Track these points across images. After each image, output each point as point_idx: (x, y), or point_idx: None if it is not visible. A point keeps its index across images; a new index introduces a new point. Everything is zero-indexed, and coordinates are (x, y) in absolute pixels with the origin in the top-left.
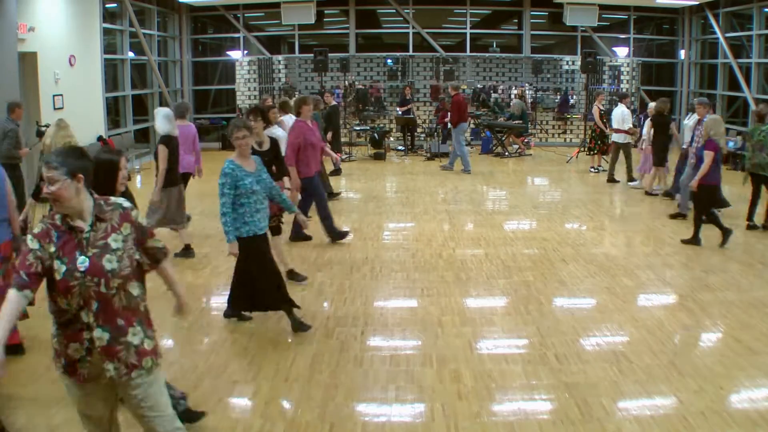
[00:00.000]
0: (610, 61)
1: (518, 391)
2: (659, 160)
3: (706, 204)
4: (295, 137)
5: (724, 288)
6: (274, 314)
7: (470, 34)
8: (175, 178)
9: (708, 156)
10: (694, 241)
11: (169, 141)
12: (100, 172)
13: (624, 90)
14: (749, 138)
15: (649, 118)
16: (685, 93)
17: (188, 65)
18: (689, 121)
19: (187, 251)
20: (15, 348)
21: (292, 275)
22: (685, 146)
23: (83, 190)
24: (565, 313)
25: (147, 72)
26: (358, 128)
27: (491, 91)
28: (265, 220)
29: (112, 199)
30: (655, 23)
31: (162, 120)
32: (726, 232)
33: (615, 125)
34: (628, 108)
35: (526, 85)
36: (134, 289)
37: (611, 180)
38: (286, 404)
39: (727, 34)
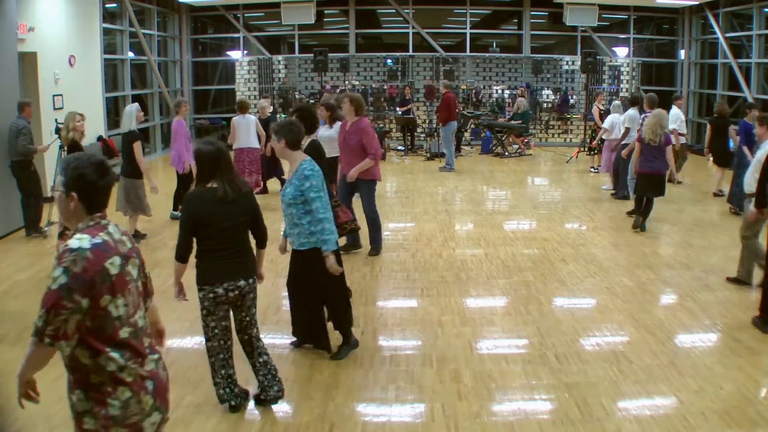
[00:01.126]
0: (610, 61)
1: (518, 391)
2: (722, 162)
3: (638, 189)
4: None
5: (724, 288)
6: (273, 314)
7: (470, 34)
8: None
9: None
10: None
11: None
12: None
13: (625, 89)
14: None
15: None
16: (685, 93)
17: (188, 65)
18: (621, 117)
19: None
20: None
21: None
22: (629, 141)
23: (80, 212)
24: (565, 313)
25: (147, 72)
26: None
27: (479, 92)
28: (297, 238)
29: (73, 239)
30: (655, 23)
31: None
32: (641, 225)
33: (672, 127)
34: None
35: (525, 84)
36: (80, 355)
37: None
38: (286, 404)
39: (727, 34)
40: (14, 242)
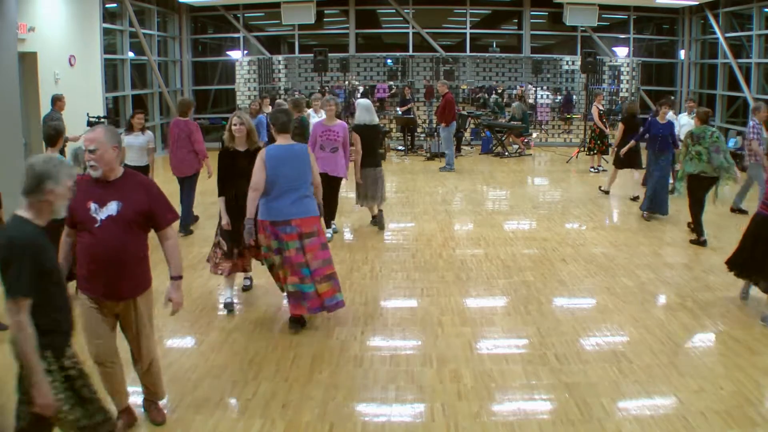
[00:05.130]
0: (610, 61)
1: (518, 391)
2: (631, 162)
3: None
4: None
5: (724, 288)
6: (273, 314)
7: (470, 34)
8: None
9: None
10: None
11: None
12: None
13: (625, 89)
14: (697, 141)
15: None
16: (685, 93)
17: (188, 65)
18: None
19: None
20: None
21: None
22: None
23: None
24: (565, 313)
25: (147, 72)
26: None
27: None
28: None
29: None
30: (655, 23)
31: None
32: None
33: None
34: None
35: (527, 85)
36: None
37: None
38: (286, 404)
39: (727, 34)
40: None
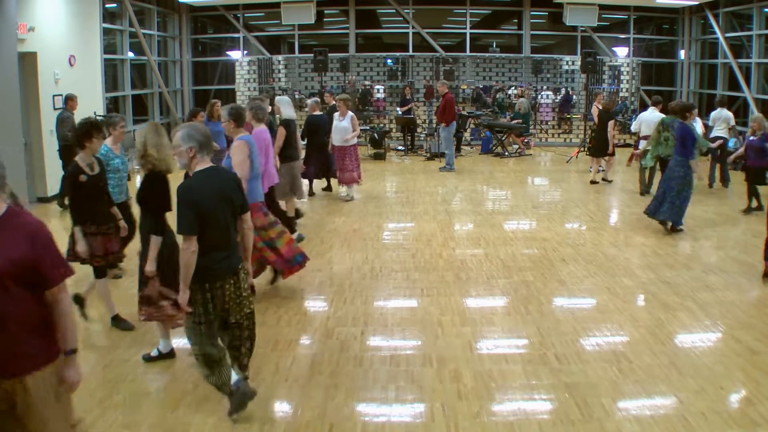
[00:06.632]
0: (610, 61)
1: (518, 391)
2: (601, 152)
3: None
4: None
5: (724, 288)
6: (274, 314)
7: (470, 34)
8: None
9: None
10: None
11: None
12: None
13: (625, 89)
14: (666, 129)
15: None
16: (685, 93)
17: (188, 65)
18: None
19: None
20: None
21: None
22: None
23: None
24: (565, 313)
25: (147, 72)
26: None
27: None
28: None
29: None
30: (655, 23)
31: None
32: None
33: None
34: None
35: (525, 85)
36: None
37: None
38: (286, 404)
39: (727, 34)
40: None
